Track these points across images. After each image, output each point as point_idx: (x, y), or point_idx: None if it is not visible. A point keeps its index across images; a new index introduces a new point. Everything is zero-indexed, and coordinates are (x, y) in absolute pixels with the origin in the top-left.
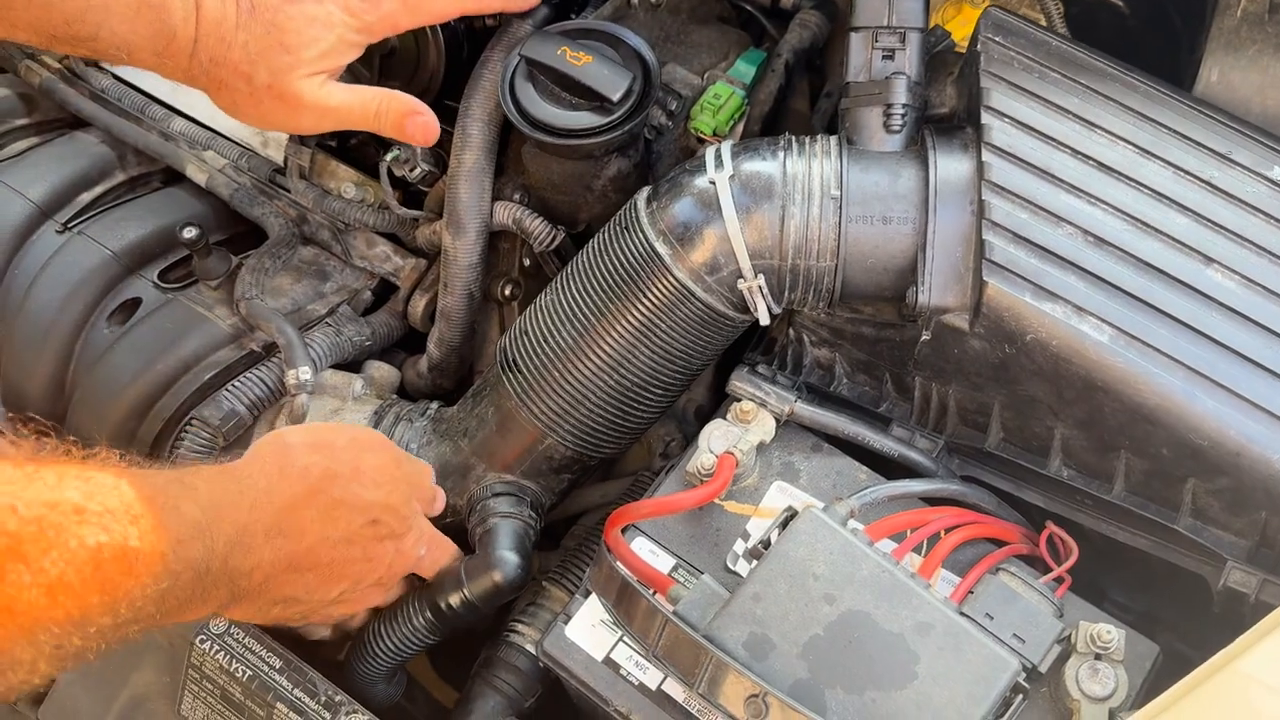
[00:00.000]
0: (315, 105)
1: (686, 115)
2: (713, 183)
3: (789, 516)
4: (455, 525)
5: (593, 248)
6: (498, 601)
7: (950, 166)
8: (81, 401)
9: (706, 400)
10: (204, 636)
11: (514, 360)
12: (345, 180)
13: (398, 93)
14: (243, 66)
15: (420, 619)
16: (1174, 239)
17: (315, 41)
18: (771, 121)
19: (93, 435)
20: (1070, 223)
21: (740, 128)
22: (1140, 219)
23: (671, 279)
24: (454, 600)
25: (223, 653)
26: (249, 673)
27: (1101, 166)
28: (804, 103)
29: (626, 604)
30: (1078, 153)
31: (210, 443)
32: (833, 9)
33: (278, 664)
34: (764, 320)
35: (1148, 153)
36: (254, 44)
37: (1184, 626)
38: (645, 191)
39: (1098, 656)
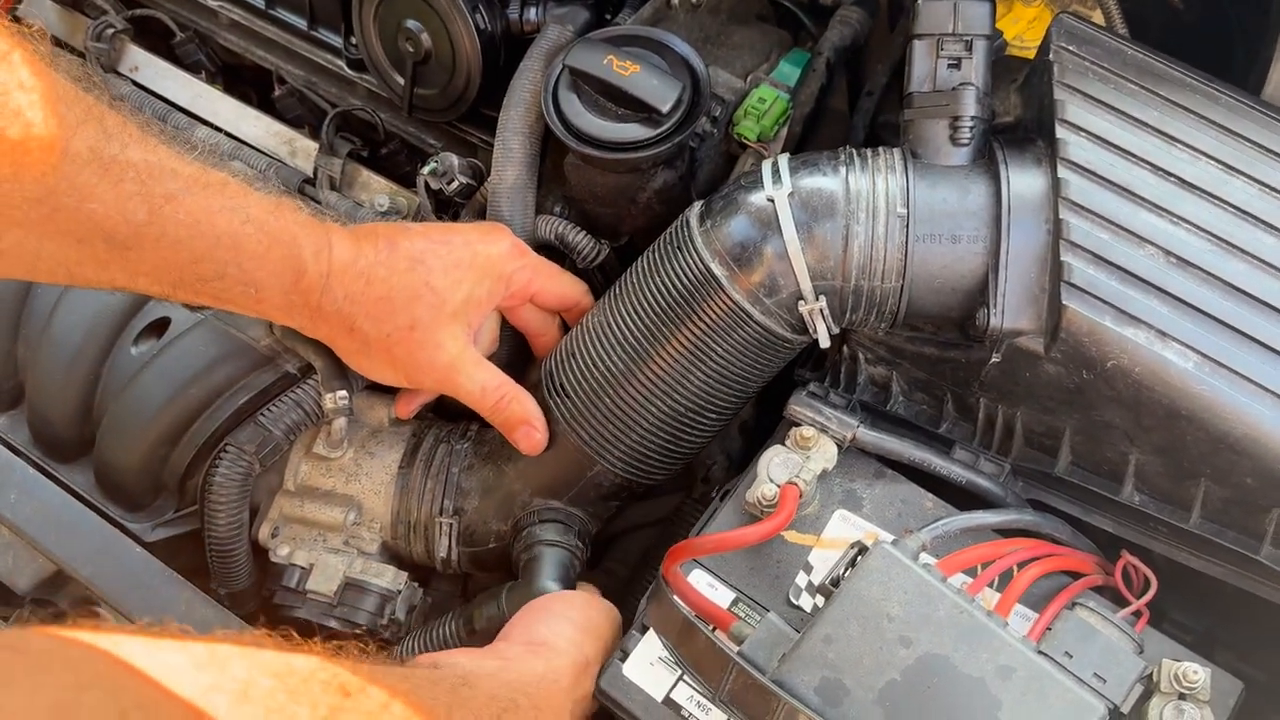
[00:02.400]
0: (451, 363)
1: (729, 120)
2: (770, 200)
3: (858, 552)
4: (498, 551)
5: (642, 267)
6: None
7: (1023, 182)
8: (110, 428)
9: (751, 415)
10: None
11: (561, 385)
12: (377, 191)
13: (525, 393)
14: (382, 305)
15: (456, 642)
16: (1261, 259)
17: (459, 285)
18: (812, 122)
19: (121, 463)
20: (1152, 243)
21: (785, 132)
22: (1225, 239)
23: (727, 300)
24: (492, 626)
25: None
26: None
27: (1183, 183)
28: (843, 101)
29: (688, 644)
30: (1158, 169)
31: (247, 469)
32: (873, 5)
33: None
34: (824, 343)
35: (1232, 168)
36: (397, 280)
37: (1244, 646)
38: (697, 208)
39: (1182, 696)
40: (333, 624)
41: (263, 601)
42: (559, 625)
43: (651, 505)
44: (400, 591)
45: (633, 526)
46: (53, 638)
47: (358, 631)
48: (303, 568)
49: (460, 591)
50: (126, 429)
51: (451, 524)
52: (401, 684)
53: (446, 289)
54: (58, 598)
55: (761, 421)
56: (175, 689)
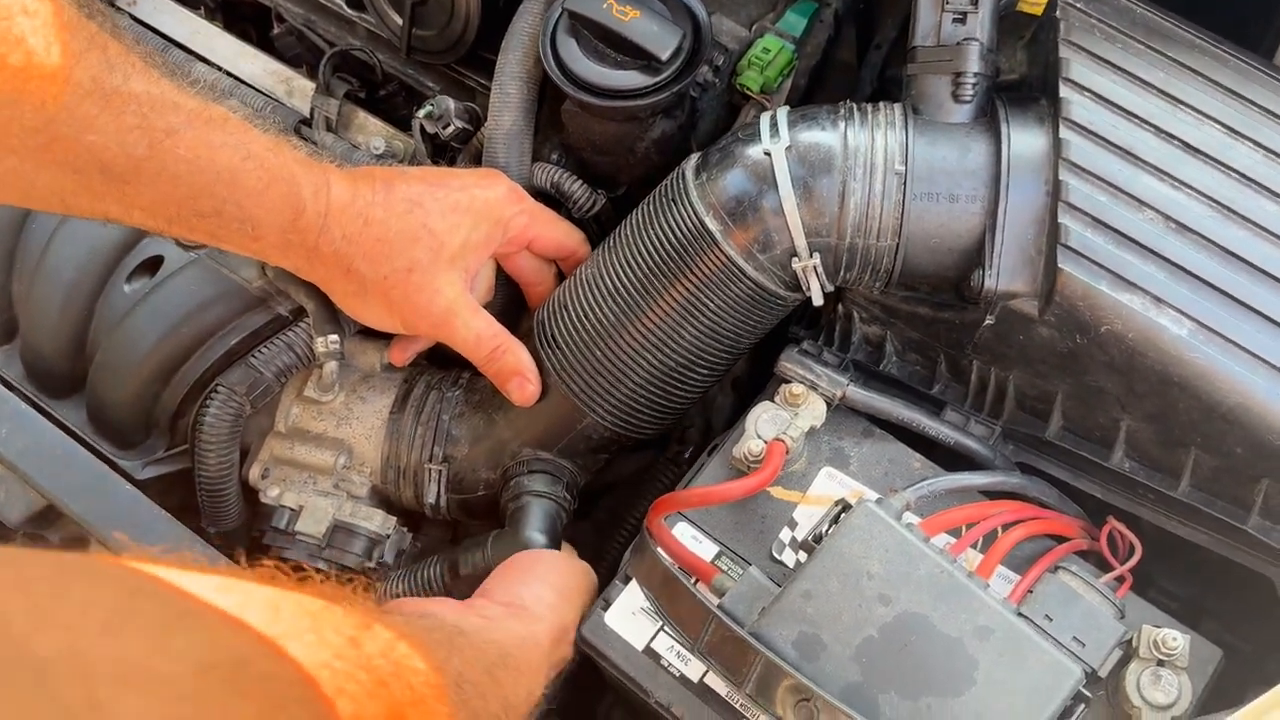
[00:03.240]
0: (448, 308)
1: (733, 70)
2: (768, 154)
3: (841, 509)
4: (487, 499)
5: (637, 219)
6: None
7: (1024, 142)
8: (102, 365)
9: (745, 371)
10: None
11: (552, 336)
12: (374, 133)
13: (519, 344)
14: (379, 247)
15: (440, 587)
16: (1262, 227)
17: (457, 228)
18: (818, 75)
19: (112, 401)
20: (1152, 207)
21: (789, 84)
22: (1226, 204)
23: (720, 255)
24: (476, 573)
25: None
26: None
27: (1186, 147)
28: (851, 54)
29: (669, 595)
30: (1161, 131)
31: (237, 410)
32: None
33: None
34: (818, 301)
35: (1237, 133)
36: (394, 222)
37: (1230, 616)
38: (693, 160)
39: (1160, 663)
40: (321, 565)
41: (252, 542)
42: (539, 589)
43: (644, 456)
44: (389, 535)
45: (622, 479)
46: (97, 556)
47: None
48: (292, 509)
49: (450, 537)
50: (118, 367)
51: (441, 471)
52: (405, 626)
53: (444, 232)
54: (49, 532)
55: (755, 378)
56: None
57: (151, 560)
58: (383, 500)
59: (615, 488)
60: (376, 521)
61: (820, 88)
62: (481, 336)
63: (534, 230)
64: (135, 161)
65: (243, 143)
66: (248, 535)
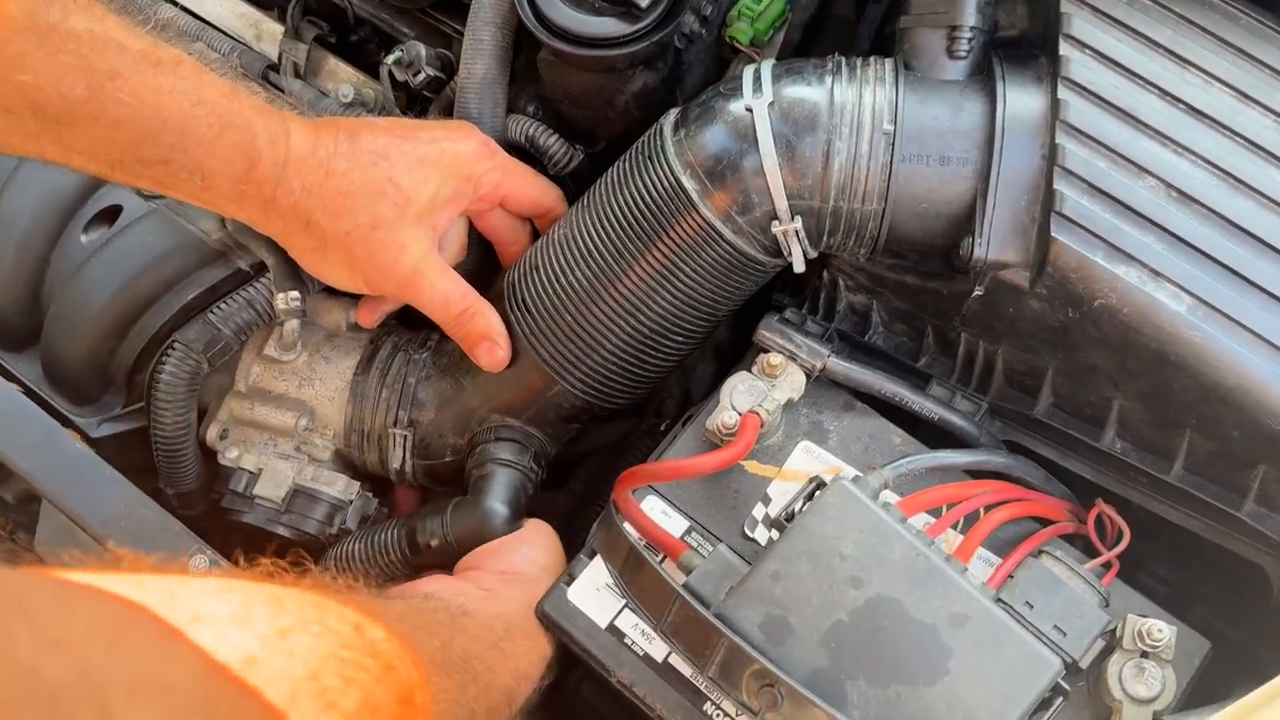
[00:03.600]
0: (414, 268)
1: (722, 21)
2: (749, 109)
3: (816, 487)
4: (454, 465)
5: (612, 178)
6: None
7: (1020, 101)
8: (57, 317)
9: (727, 339)
10: None
11: (523, 299)
12: (344, 80)
13: (489, 307)
14: (341, 200)
15: (395, 552)
16: (1270, 198)
17: (425, 183)
18: (814, 29)
19: (66, 356)
20: (1153, 174)
21: (780, 37)
22: (1233, 173)
23: (697, 217)
24: (434, 542)
25: None
26: None
27: (1193, 111)
28: (849, 7)
29: (634, 572)
30: (1166, 94)
31: (194, 368)
32: None
33: None
34: (799, 267)
35: (1247, 97)
36: (358, 175)
37: (1221, 603)
38: (672, 115)
39: (1145, 654)
40: (281, 530)
41: (211, 504)
42: (530, 553)
43: (620, 425)
44: (352, 501)
45: (601, 448)
46: (99, 573)
47: (307, 539)
48: (251, 472)
49: (420, 502)
50: (72, 320)
51: (406, 436)
52: (408, 609)
53: (411, 187)
54: (2, 490)
55: (737, 345)
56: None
57: (152, 570)
58: (347, 464)
59: (591, 457)
60: (339, 487)
61: (815, 42)
62: (449, 298)
63: (507, 187)
64: (71, 104)
65: (194, 88)
66: (207, 497)
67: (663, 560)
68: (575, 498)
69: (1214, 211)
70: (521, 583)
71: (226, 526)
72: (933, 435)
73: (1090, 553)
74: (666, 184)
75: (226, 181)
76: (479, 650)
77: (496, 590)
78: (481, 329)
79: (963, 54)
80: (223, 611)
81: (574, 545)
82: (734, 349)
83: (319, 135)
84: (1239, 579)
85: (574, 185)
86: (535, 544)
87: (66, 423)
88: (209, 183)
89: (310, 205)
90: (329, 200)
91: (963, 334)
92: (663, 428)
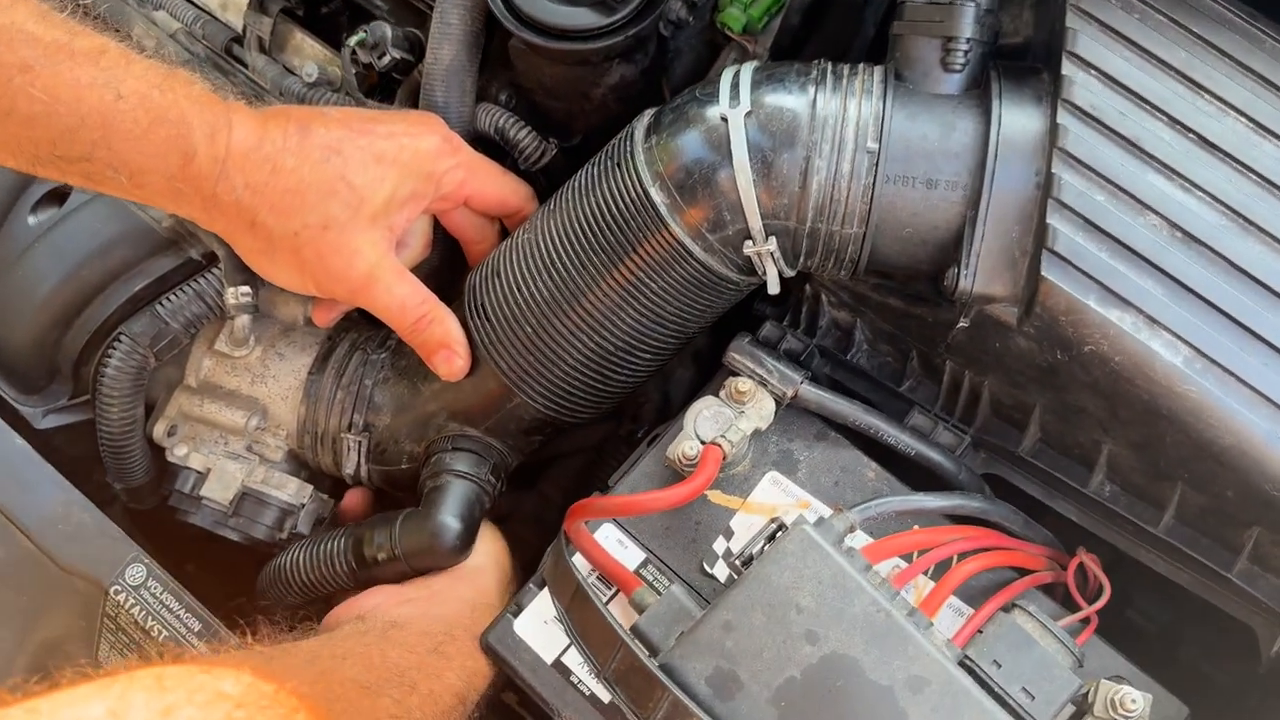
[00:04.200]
0: (368, 273)
1: (713, 6)
2: (724, 119)
3: (776, 529)
4: (410, 473)
5: (580, 183)
6: (428, 567)
7: (1016, 123)
8: (2, 302)
9: (706, 345)
10: (119, 588)
11: (482, 305)
12: (310, 57)
13: (449, 313)
14: (289, 199)
15: (341, 564)
16: None
17: (381, 182)
18: (814, 14)
19: (10, 343)
20: (1156, 211)
21: (777, 23)
22: (1244, 214)
23: (665, 234)
24: (381, 555)
25: (138, 607)
26: (165, 633)
27: (1204, 142)
28: None
29: (580, 612)
30: (1176, 122)
31: (140, 363)
32: None
33: (196, 626)
34: (773, 289)
35: (1265, 129)
36: (308, 171)
37: (1210, 644)
38: (645, 118)
39: None
40: (229, 534)
41: (161, 500)
42: (477, 543)
43: (594, 431)
44: (304, 505)
45: (575, 450)
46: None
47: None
48: (199, 471)
49: (373, 506)
50: (16, 308)
51: (360, 442)
52: (323, 648)
53: (365, 186)
54: None
55: (718, 351)
56: None
57: (19, 699)
58: (301, 465)
59: (565, 459)
60: (290, 490)
61: (818, 29)
62: (406, 304)
63: (471, 186)
64: None
65: (117, 79)
66: (157, 491)
67: (615, 594)
68: (546, 500)
69: (1220, 255)
70: (469, 576)
71: (180, 523)
72: (911, 468)
73: (1069, 602)
74: (634, 195)
75: (159, 178)
76: (416, 659)
77: (441, 590)
78: (439, 336)
79: (958, 67)
80: (96, 712)
81: (542, 550)
82: (714, 354)
83: (265, 128)
84: (1228, 623)
85: (546, 181)
86: (480, 537)
87: (9, 415)
88: (139, 179)
89: (255, 204)
90: (276, 199)
91: (948, 362)
92: (640, 434)
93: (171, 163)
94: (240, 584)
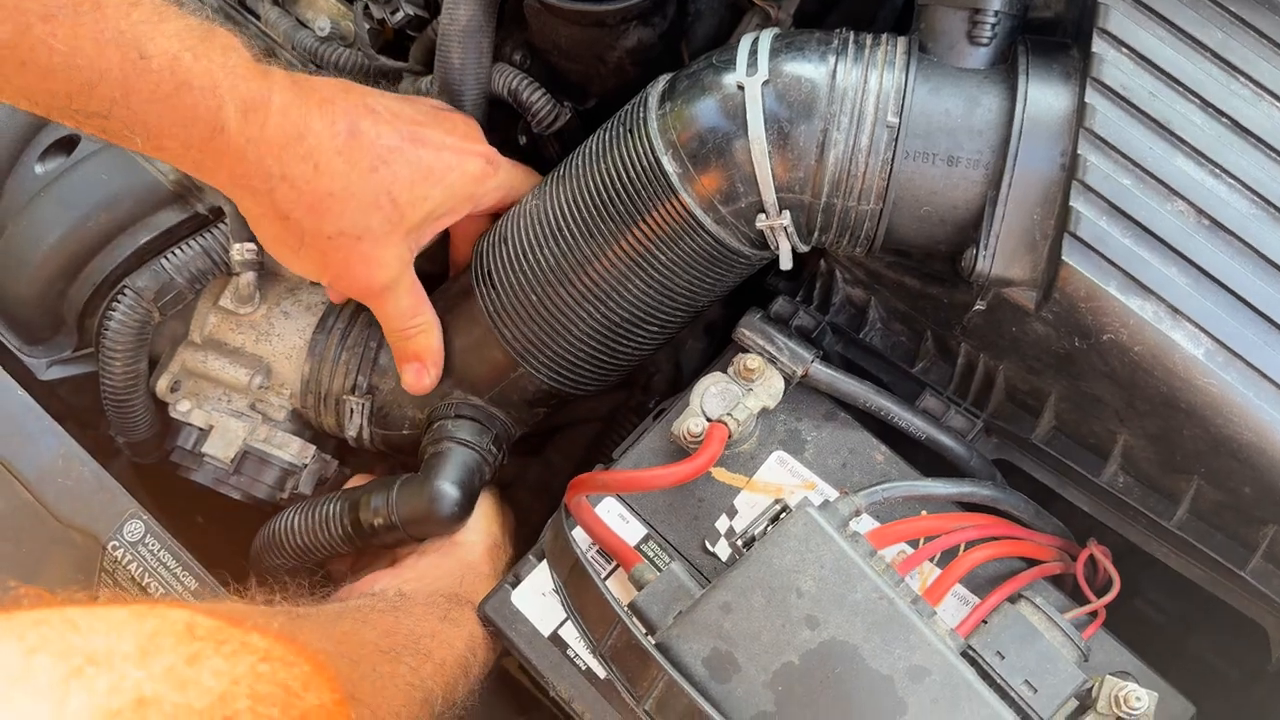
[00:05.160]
0: (387, 285)
1: None
2: (741, 87)
3: (780, 510)
4: (412, 438)
5: (591, 148)
6: (427, 534)
7: (1043, 101)
8: (5, 253)
9: (720, 316)
10: (117, 543)
11: (489, 272)
12: (323, 11)
13: (436, 328)
14: (329, 202)
15: (337, 527)
16: None
17: (424, 201)
18: None
19: (15, 293)
20: (1184, 197)
21: None
22: (1275, 202)
23: (677, 204)
24: (377, 520)
25: (135, 564)
26: (161, 590)
27: (1237, 127)
28: None
29: (577, 587)
30: (1209, 105)
31: (144, 317)
32: None
33: (193, 585)
34: (785, 264)
35: None
36: (356, 181)
37: (1220, 636)
38: (660, 84)
39: None
40: (230, 493)
41: (164, 455)
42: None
43: (601, 401)
44: (305, 465)
45: (583, 419)
46: None
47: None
48: (201, 428)
49: (384, 465)
50: (21, 258)
51: (363, 404)
52: (340, 613)
53: (409, 204)
54: None
55: (731, 324)
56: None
57: (61, 603)
58: (304, 424)
59: (574, 427)
60: (292, 450)
61: None
62: (403, 314)
63: (504, 203)
64: None
65: (146, 36)
66: (160, 446)
67: (614, 569)
68: (552, 469)
69: (1249, 245)
70: (457, 551)
71: (182, 479)
72: (922, 449)
73: (1077, 594)
74: (646, 163)
75: (178, 145)
76: (429, 627)
77: (433, 566)
78: (417, 349)
79: (985, 40)
80: (126, 647)
81: (545, 518)
82: (729, 326)
83: (309, 118)
84: (1239, 618)
85: (560, 146)
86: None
87: (13, 365)
88: (158, 144)
89: (291, 199)
90: (315, 200)
91: (963, 344)
92: (651, 405)
93: (195, 132)
94: (247, 540)
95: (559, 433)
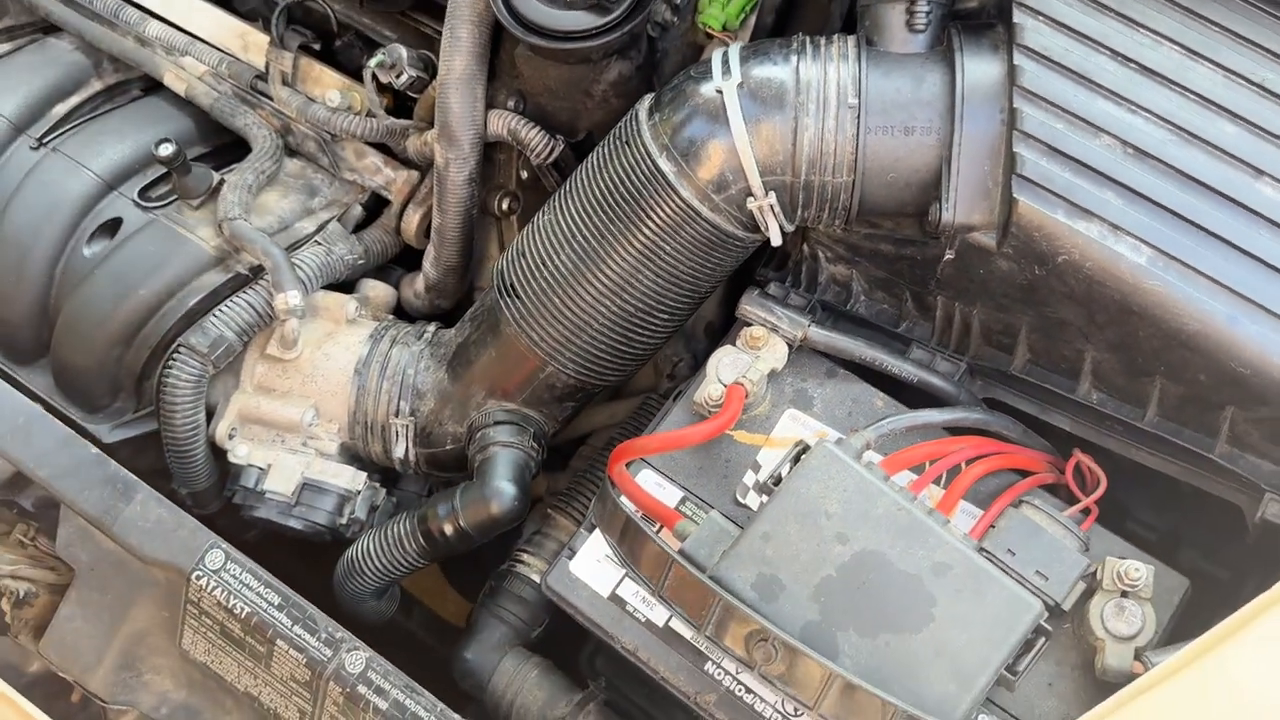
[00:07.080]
0: None
1: (694, 8)
2: (719, 91)
3: (800, 450)
4: (456, 453)
5: (592, 163)
6: (493, 532)
7: (979, 70)
8: (65, 329)
9: (717, 316)
10: (200, 572)
11: (511, 285)
12: (330, 86)
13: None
14: None
15: (411, 543)
16: (1221, 150)
17: None
18: (786, 11)
19: (75, 365)
20: (1108, 133)
21: (752, 20)
22: (1185, 128)
23: (676, 198)
24: (447, 529)
25: (220, 589)
26: (247, 610)
27: (1144, 70)
28: None
29: (631, 542)
30: (1118, 54)
31: (199, 371)
32: None
33: (276, 600)
34: (775, 241)
35: (1195, 54)
36: None
37: (1209, 545)
38: (647, 101)
39: (1124, 594)
40: (293, 524)
41: (225, 502)
42: None
43: (619, 406)
44: (359, 491)
45: (602, 426)
46: None
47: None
48: (261, 468)
49: (426, 492)
50: (80, 330)
51: (408, 425)
52: None
53: None
54: (21, 498)
55: (728, 322)
56: None
57: None
58: (353, 456)
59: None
60: (345, 478)
61: (789, 25)
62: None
63: None
64: None
65: None
66: (220, 495)
67: (659, 530)
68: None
69: (1169, 165)
70: None
71: (240, 524)
72: (915, 397)
73: (1071, 502)
74: (645, 167)
75: None
76: None
77: None
78: None
79: (921, 27)
80: None
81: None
82: (725, 325)
83: None
84: (1221, 519)
85: (558, 175)
86: None
87: (80, 430)
88: None
89: None
90: None
91: (939, 297)
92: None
93: None
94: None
95: (581, 443)
